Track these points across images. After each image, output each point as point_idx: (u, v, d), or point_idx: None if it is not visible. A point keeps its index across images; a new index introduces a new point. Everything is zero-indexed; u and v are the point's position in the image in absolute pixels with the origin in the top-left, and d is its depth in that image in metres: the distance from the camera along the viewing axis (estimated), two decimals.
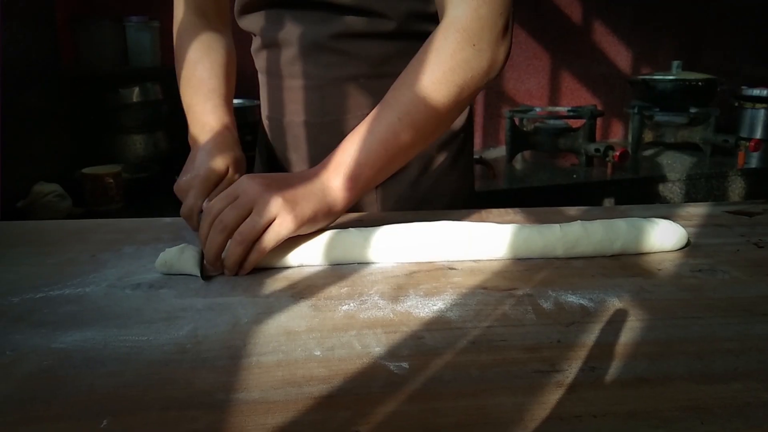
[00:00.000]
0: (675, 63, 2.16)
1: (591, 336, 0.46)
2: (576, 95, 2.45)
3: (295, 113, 0.83)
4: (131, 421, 0.35)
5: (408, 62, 0.66)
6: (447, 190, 0.87)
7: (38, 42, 1.66)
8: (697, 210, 0.81)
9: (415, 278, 0.57)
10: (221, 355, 0.43)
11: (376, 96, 0.74)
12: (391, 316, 0.49)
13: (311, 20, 0.77)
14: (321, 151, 0.79)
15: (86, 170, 1.53)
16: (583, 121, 2.03)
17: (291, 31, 0.78)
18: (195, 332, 0.46)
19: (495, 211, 0.79)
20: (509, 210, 0.79)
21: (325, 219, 0.61)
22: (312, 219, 0.59)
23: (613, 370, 0.41)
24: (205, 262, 0.59)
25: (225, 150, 0.76)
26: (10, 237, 0.71)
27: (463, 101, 0.66)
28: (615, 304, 0.51)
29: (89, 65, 1.82)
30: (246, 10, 0.83)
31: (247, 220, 0.57)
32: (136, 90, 1.79)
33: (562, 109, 2.16)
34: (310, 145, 0.83)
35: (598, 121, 2.09)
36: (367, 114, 0.66)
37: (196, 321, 0.48)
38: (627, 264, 0.61)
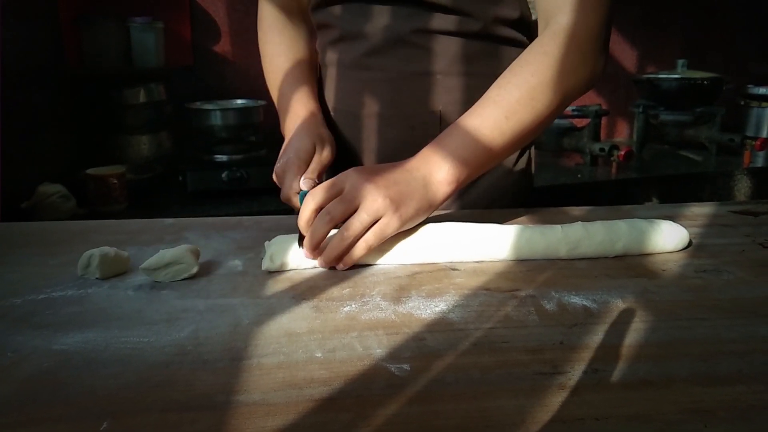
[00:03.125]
0: (680, 62, 2.15)
1: (594, 337, 0.45)
2: None
3: (366, 105, 0.83)
4: (131, 423, 0.35)
5: (484, 63, 0.74)
6: (508, 188, 0.87)
7: (42, 42, 1.66)
8: (701, 210, 0.80)
9: (418, 279, 0.57)
10: (222, 357, 0.43)
11: (448, 93, 0.79)
12: (393, 317, 0.49)
13: (396, 15, 0.78)
14: (388, 144, 0.83)
15: (90, 171, 1.54)
16: (588, 120, 2.02)
17: (373, 24, 0.79)
18: (196, 334, 0.46)
19: (497, 211, 0.79)
20: (512, 210, 0.79)
21: (425, 214, 0.62)
22: (414, 217, 0.60)
23: (616, 372, 0.40)
24: (304, 249, 0.59)
25: (311, 131, 0.78)
26: (14, 238, 0.72)
27: (564, 106, 0.68)
28: (618, 305, 0.51)
29: (93, 66, 1.82)
30: (328, 3, 0.83)
31: (354, 215, 0.58)
32: (141, 90, 1.79)
33: (566, 109, 2.15)
34: (378, 137, 0.84)
35: (603, 120, 2.08)
36: (436, 110, 0.74)
37: (198, 322, 0.48)
38: (631, 265, 0.60)
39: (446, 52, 0.78)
